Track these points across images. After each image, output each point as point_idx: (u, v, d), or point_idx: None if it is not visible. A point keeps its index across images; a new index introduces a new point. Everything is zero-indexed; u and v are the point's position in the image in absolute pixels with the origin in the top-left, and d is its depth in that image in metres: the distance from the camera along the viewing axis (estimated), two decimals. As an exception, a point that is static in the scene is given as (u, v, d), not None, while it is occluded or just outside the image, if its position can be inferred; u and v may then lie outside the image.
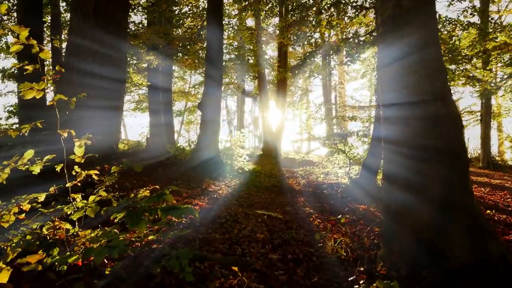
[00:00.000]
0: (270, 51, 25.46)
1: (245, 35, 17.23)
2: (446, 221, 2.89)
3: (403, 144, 3.05)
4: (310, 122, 27.36)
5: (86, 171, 2.57)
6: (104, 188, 2.62)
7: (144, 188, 4.28)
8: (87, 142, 2.47)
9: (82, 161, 2.53)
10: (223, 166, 11.48)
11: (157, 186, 4.43)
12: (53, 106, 2.62)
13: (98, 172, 2.59)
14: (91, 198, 2.50)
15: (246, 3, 10.57)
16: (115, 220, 2.66)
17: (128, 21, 14.60)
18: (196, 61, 16.05)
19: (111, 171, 2.58)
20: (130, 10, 13.89)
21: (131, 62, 17.18)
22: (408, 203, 3.04)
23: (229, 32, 18.14)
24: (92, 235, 2.50)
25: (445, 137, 2.90)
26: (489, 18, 8.50)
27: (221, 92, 12.15)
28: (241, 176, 11.10)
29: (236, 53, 18.22)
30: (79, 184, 2.57)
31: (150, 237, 3.10)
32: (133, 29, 14.76)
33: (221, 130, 12.85)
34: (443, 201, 2.89)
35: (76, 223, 2.64)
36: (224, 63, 18.14)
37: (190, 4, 14.81)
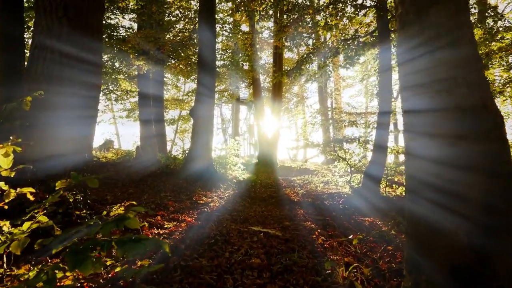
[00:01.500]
0: (265, 57, 25.05)
1: (239, 39, 16.73)
2: (489, 243, 2.30)
3: (434, 157, 2.45)
4: (307, 129, 26.82)
5: (19, 189, 1.94)
6: (42, 212, 1.98)
7: (119, 205, 3.66)
8: (16, 149, 1.83)
9: (12, 175, 1.90)
10: (217, 175, 10.87)
11: (133, 202, 3.80)
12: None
13: (33, 190, 1.95)
14: (25, 225, 1.86)
15: (239, 0, 10.02)
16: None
17: (119, 26, 14.04)
18: (188, 67, 15.48)
19: (56, 187, 1.95)
20: (119, 13, 13.34)
21: (121, 68, 16.61)
22: (439, 225, 2.44)
23: (223, 37, 17.64)
24: (31, 274, 1.86)
25: (488, 147, 2.31)
26: (498, 17, 8.03)
27: (214, 98, 11.57)
28: (235, 186, 10.48)
29: (231, 60, 17.68)
30: (6, 206, 1.94)
31: (118, 269, 2.47)
32: (123, 34, 14.18)
33: (215, 138, 12.26)
34: (486, 220, 2.30)
35: (5, 259, 2.00)
36: (218, 69, 17.61)
37: (181, 7, 14.28)
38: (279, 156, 23.72)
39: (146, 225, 3.97)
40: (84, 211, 3.43)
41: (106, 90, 19.97)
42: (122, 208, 3.48)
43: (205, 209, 6.11)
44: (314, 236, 4.48)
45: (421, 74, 2.51)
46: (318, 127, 24.04)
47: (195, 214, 5.56)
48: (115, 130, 37.52)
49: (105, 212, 3.56)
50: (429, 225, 2.51)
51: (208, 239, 3.93)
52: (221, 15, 16.72)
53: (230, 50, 18.00)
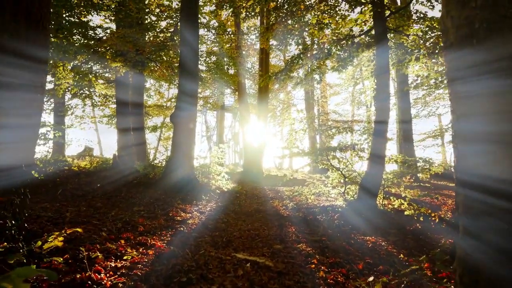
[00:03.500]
0: (251, 63, 24.40)
1: (224, 42, 15.97)
2: None
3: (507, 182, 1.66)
4: (297, 135, 26.24)
5: None
6: None
7: (58, 233, 2.77)
8: None
9: None
10: (199, 186, 9.99)
11: (78, 229, 2.93)
12: None
13: None
14: None
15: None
16: None
17: (96, 26, 13.06)
18: (170, 71, 14.60)
19: None
20: (95, 12, 12.40)
21: (99, 71, 15.65)
22: (509, 273, 1.67)
23: (208, 41, 16.86)
24: None
25: None
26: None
27: (196, 103, 10.75)
28: (219, 197, 9.61)
29: (215, 63, 16.89)
30: None
31: None
32: (101, 34, 13.19)
33: (199, 146, 11.39)
34: None
35: None
36: (202, 73, 16.79)
37: (162, 5, 13.43)
38: (265, 165, 22.98)
39: (100, 257, 3.07)
40: (5, 243, 2.52)
41: (83, 95, 18.92)
42: (61, 238, 2.60)
43: (182, 228, 5.22)
44: (313, 266, 3.65)
45: (483, 55, 1.75)
46: (305, 134, 23.45)
47: (168, 235, 4.67)
48: (97, 137, 36.12)
49: (39, 243, 2.66)
50: (494, 273, 1.72)
51: (180, 275, 3.05)
52: (206, 17, 15.97)
53: (215, 56, 17.25)
